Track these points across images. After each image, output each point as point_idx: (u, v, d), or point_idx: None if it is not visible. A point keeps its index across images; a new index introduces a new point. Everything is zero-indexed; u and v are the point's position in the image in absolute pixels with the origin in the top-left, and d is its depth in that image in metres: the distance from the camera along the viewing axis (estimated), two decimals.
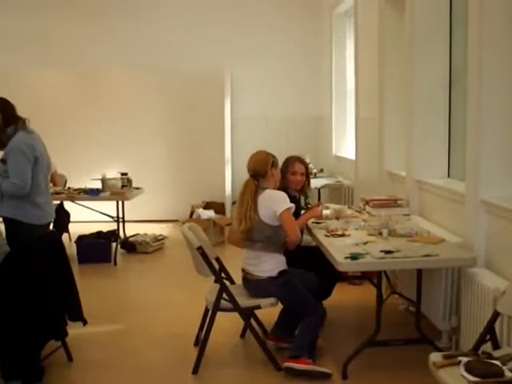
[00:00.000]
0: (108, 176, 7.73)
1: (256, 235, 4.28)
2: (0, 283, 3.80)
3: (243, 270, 4.45)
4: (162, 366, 4.39)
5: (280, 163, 4.66)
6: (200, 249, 4.13)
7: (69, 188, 7.91)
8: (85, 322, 4.40)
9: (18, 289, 3.78)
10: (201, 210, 8.46)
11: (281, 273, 4.28)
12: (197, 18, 9.93)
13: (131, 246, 7.87)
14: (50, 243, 4.17)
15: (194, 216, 8.40)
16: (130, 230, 8.36)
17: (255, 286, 4.35)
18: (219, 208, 9.16)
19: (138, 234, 8.20)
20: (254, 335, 4.35)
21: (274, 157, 4.47)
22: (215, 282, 4.39)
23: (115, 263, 7.28)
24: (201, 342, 4.34)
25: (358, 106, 7.66)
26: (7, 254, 3.98)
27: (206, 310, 4.52)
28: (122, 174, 7.85)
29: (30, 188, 4.65)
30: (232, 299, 4.22)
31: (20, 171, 4.62)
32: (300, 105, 10.15)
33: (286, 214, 4.22)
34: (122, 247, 7.81)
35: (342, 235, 4.41)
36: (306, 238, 5.05)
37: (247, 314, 4.44)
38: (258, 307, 4.32)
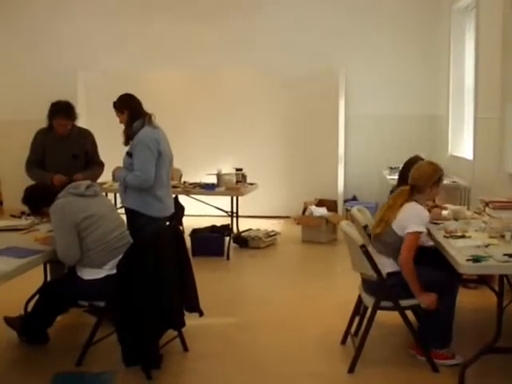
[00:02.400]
0: (223, 171, 7.86)
1: (382, 237, 4.24)
2: (124, 273, 3.95)
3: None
4: (276, 361, 4.40)
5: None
6: (363, 247, 4.06)
7: (184, 182, 8.10)
8: (201, 314, 4.49)
9: (141, 279, 3.91)
10: (313, 207, 8.44)
11: (390, 274, 4.19)
12: (311, 15, 9.94)
13: (244, 241, 7.94)
14: (172, 235, 4.28)
15: (307, 213, 8.40)
16: (243, 225, 8.47)
17: (367, 285, 4.31)
18: (332, 206, 9.11)
19: (250, 229, 8.28)
20: (413, 335, 4.24)
21: (441, 173, 4.31)
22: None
23: (228, 257, 7.40)
24: (359, 340, 4.24)
25: (477, 105, 7.43)
26: (131, 245, 4.13)
27: (356, 307, 4.56)
28: (237, 170, 7.97)
29: (153, 181, 4.82)
30: (392, 298, 4.14)
31: (144, 165, 4.79)
32: (415, 103, 9.94)
33: (412, 237, 4.06)
34: (234, 242, 7.90)
35: (462, 237, 4.28)
36: None
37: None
38: (418, 307, 4.19)
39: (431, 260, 4.35)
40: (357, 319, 4.67)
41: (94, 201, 4.35)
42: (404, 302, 4.15)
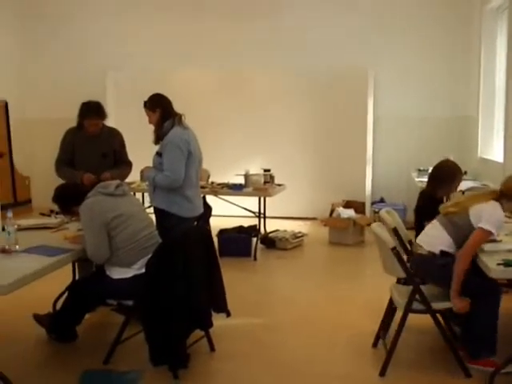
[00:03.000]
0: (251, 172, 7.86)
1: (454, 217, 4.14)
2: (152, 273, 3.96)
3: (412, 244, 4.35)
4: (304, 363, 4.37)
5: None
6: (394, 249, 4.00)
7: (212, 182, 8.11)
8: (228, 314, 4.48)
9: (169, 279, 3.91)
10: (341, 209, 8.41)
11: (443, 253, 4.11)
12: (339, 15, 9.90)
13: (271, 242, 7.94)
14: (200, 235, 4.29)
15: (334, 214, 8.38)
16: (270, 225, 8.47)
17: (416, 261, 4.21)
18: (359, 207, 9.09)
19: (277, 230, 8.27)
20: (444, 338, 4.17)
21: None
22: (404, 283, 4.28)
23: (255, 258, 7.40)
24: (390, 343, 4.18)
25: (509, 106, 7.34)
26: (159, 245, 4.14)
27: (389, 309, 4.50)
28: (265, 171, 7.96)
29: (182, 181, 4.83)
30: (425, 300, 4.08)
31: (174, 165, 4.80)
32: (444, 104, 9.84)
33: (482, 234, 3.95)
34: (261, 242, 7.90)
35: (493, 240, 4.22)
36: None
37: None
38: (450, 310, 4.12)
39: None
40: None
41: (123, 200, 4.37)
42: (436, 305, 4.09)
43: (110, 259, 4.23)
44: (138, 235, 4.27)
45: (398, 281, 4.35)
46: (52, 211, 5.43)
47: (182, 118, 4.99)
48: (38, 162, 10.93)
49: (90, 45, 10.73)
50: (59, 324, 4.62)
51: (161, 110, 4.93)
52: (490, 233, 3.97)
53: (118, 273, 4.24)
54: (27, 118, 10.97)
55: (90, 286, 4.39)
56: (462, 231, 4.07)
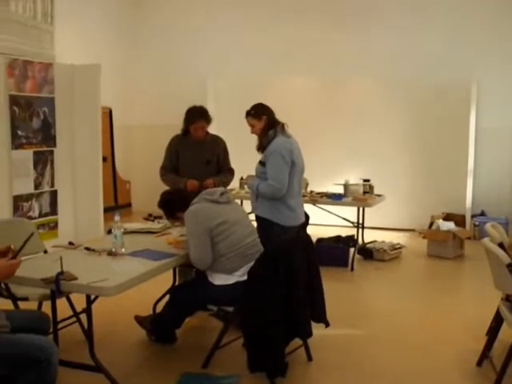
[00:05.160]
0: (350, 182, 7.81)
1: None
2: (254, 280, 3.98)
3: None
4: (404, 378, 4.27)
5: None
6: (510, 266, 3.81)
7: (311, 191, 8.09)
8: (327, 325, 4.46)
9: (271, 287, 3.92)
10: (441, 221, 8.22)
11: None
12: (441, 25, 9.69)
13: (368, 253, 7.85)
14: (303, 245, 4.28)
15: (434, 227, 8.20)
16: (367, 236, 8.38)
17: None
18: (460, 220, 8.87)
19: (375, 241, 8.18)
20: None
21: None
22: None
23: (352, 268, 7.33)
24: (502, 364, 3.95)
25: None
26: (262, 253, 4.17)
27: (494, 327, 4.35)
28: (365, 181, 7.89)
29: (285, 190, 4.84)
30: None
31: (278, 174, 4.80)
32: None
33: None
34: (358, 253, 7.82)
35: None
36: None
37: None
38: None
39: None
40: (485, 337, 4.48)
41: (228, 207, 4.42)
42: None
43: (213, 265, 4.27)
44: (241, 242, 4.30)
45: (507, 298, 4.17)
46: (150, 215, 5.56)
47: (285, 126, 5.01)
48: (137, 167, 11.24)
49: (191, 53, 10.95)
50: (160, 326, 4.72)
51: (266, 118, 4.95)
52: None
53: (220, 279, 4.28)
54: (129, 124, 11.28)
55: (191, 291, 4.45)
56: None
